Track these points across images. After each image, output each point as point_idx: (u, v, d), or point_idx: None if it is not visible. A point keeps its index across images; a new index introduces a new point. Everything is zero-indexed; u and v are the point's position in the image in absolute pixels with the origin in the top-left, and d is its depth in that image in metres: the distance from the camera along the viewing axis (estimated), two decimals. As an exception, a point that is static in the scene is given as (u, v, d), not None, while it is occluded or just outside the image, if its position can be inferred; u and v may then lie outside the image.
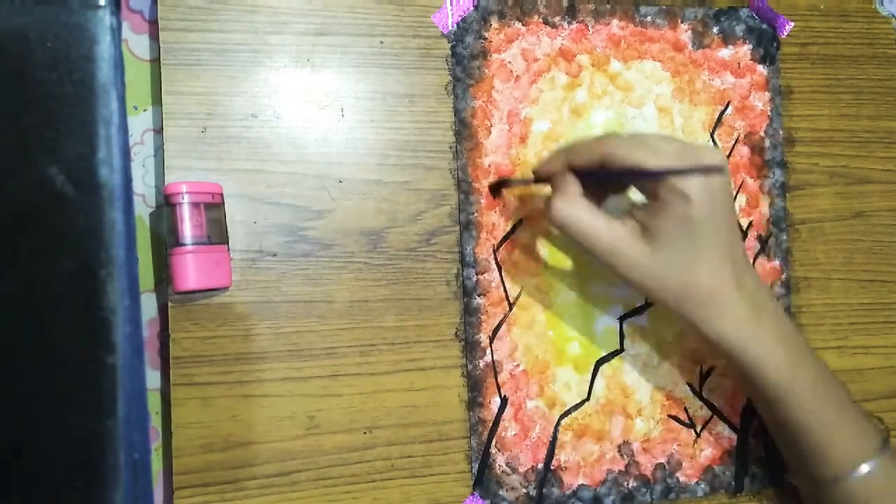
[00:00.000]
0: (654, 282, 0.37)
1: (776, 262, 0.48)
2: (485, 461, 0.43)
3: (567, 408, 0.44)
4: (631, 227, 0.37)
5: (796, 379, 0.39)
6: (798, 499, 0.44)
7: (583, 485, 0.44)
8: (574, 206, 0.37)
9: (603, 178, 0.39)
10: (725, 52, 0.48)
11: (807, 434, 0.39)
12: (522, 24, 0.45)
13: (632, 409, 0.45)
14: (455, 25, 0.44)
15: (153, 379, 0.41)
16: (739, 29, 0.48)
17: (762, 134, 0.48)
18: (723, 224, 0.36)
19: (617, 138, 0.37)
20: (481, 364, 0.43)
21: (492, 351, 0.44)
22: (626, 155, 0.36)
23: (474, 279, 0.43)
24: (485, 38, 0.45)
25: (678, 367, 0.46)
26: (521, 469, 0.44)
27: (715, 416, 0.46)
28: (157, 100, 0.42)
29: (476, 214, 0.44)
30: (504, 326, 0.44)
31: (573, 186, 0.38)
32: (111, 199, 0.36)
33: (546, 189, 0.41)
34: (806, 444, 0.40)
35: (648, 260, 0.37)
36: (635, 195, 0.42)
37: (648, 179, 0.36)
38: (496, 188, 0.44)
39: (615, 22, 0.46)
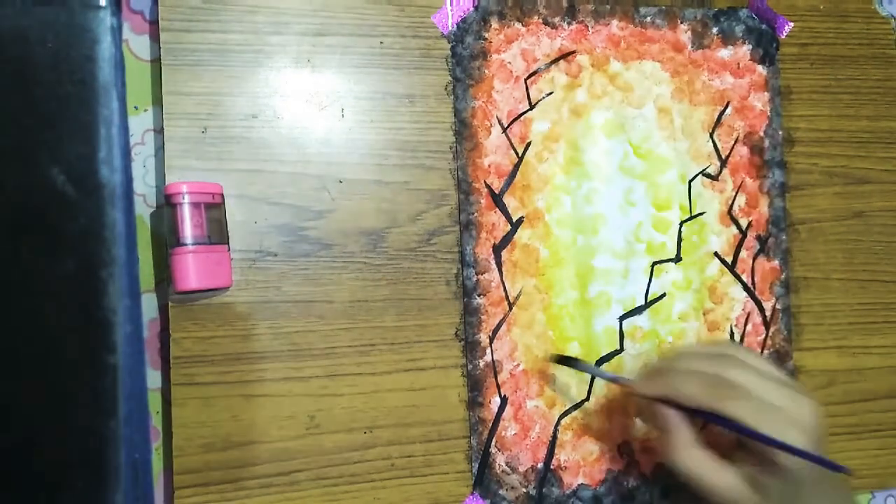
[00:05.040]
0: None
1: (776, 262, 0.48)
2: (485, 461, 0.43)
3: (567, 407, 0.44)
4: (748, 480, 0.37)
5: None
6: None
7: (583, 484, 0.44)
8: (698, 460, 0.38)
9: (711, 421, 0.38)
10: (725, 53, 0.48)
11: None
12: (522, 25, 0.45)
13: (632, 408, 0.45)
14: (455, 26, 0.44)
15: (154, 379, 0.41)
16: (739, 29, 0.48)
17: (762, 134, 0.48)
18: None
19: (733, 393, 0.37)
20: (481, 364, 0.43)
21: (492, 351, 0.44)
22: (744, 417, 0.36)
23: (474, 279, 0.44)
24: (485, 39, 0.45)
25: (678, 366, 0.46)
26: (521, 469, 0.44)
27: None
28: (157, 100, 0.42)
29: (476, 214, 0.44)
30: (504, 326, 0.44)
31: (685, 433, 0.38)
32: (112, 199, 0.36)
33: None
34: None
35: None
36: None
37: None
38: (560, 361, 0.43)
39: (615, 22, 0.47)
